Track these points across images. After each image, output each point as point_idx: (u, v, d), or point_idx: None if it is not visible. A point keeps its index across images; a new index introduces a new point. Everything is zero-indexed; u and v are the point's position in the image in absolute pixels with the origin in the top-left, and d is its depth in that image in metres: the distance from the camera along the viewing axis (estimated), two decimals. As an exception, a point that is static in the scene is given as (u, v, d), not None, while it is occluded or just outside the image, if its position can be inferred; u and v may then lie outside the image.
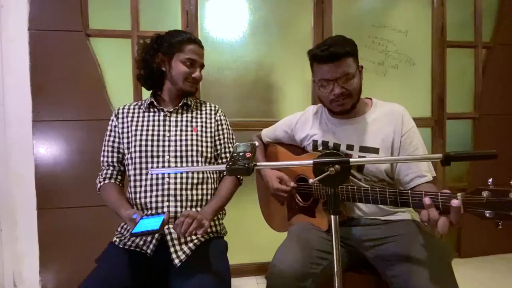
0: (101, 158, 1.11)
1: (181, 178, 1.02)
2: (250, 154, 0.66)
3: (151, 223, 0.84)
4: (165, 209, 0.98)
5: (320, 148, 1.12)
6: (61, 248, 1.68)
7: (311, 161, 0.63)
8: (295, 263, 0.88)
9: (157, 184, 1.01)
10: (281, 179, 1.13)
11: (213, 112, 1.16)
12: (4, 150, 1.63)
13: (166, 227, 0.97)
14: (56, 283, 1.69)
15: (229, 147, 1.16)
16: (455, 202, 0.65)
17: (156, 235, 0.97)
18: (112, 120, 1.11)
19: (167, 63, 1.09)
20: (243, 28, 1.86)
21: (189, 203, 1.02)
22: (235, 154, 0.68)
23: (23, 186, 1.65)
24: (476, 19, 2.08)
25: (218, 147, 1.15)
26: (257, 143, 0.72)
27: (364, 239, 1.02)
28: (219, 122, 1.16)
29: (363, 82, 1.05)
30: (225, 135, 1.16)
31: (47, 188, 1.67)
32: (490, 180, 0.62)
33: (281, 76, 1.91)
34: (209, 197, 1.08)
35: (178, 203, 1.00)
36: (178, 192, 1.01)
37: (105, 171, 1.10)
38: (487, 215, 0.61)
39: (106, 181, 1.09)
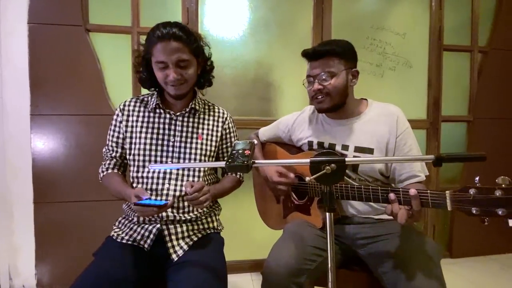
0: (104, 150, 1.11)
1: (181, 186, 1.03)
2: (249, 152, 0.67)
3: (156, 202, 0.87)
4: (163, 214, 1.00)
5: (315, 148, 1.13)
6: (57, 242, 1.69)
7: (308, 160, 0.65)
8: (290, 259, 0.90)
9: (156, 189, 1.02)
10: (281, 172, 1.11)
11: (220, 120, 1.14)
12: (1, 144, 1.63)
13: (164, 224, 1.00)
14: (52, 276, 1.70)
15: None
16: (411, 192, 0.74)
17: (154, 229, 0.99)
18: (118, 115, 1.08)
19: (152, 67, 1.00)
20: (243, 27, 1.87)
21: (185, 209, 1.03)
22: (234, 152, 0.69)
23: (20, 180, 1.65)
24: (473, 24, 2.11)
25: (226, 154, 1.15)
26: (255, 141, 0.74)
27: (357, 237, 1.04)
28: (228, 131, 1.15)
29: (355, 85, 1.07)
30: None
31: (44, 182, 1.67)
32: (477, 178, 0.65)
33: (280, 75, 1.93)
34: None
35: (175, 210, 1.02)
36: (176, 200, 1.02)
37: (108, 162, 1.10)
38: (474, 211, 0.64)
39: (109, 171, 1.09)
